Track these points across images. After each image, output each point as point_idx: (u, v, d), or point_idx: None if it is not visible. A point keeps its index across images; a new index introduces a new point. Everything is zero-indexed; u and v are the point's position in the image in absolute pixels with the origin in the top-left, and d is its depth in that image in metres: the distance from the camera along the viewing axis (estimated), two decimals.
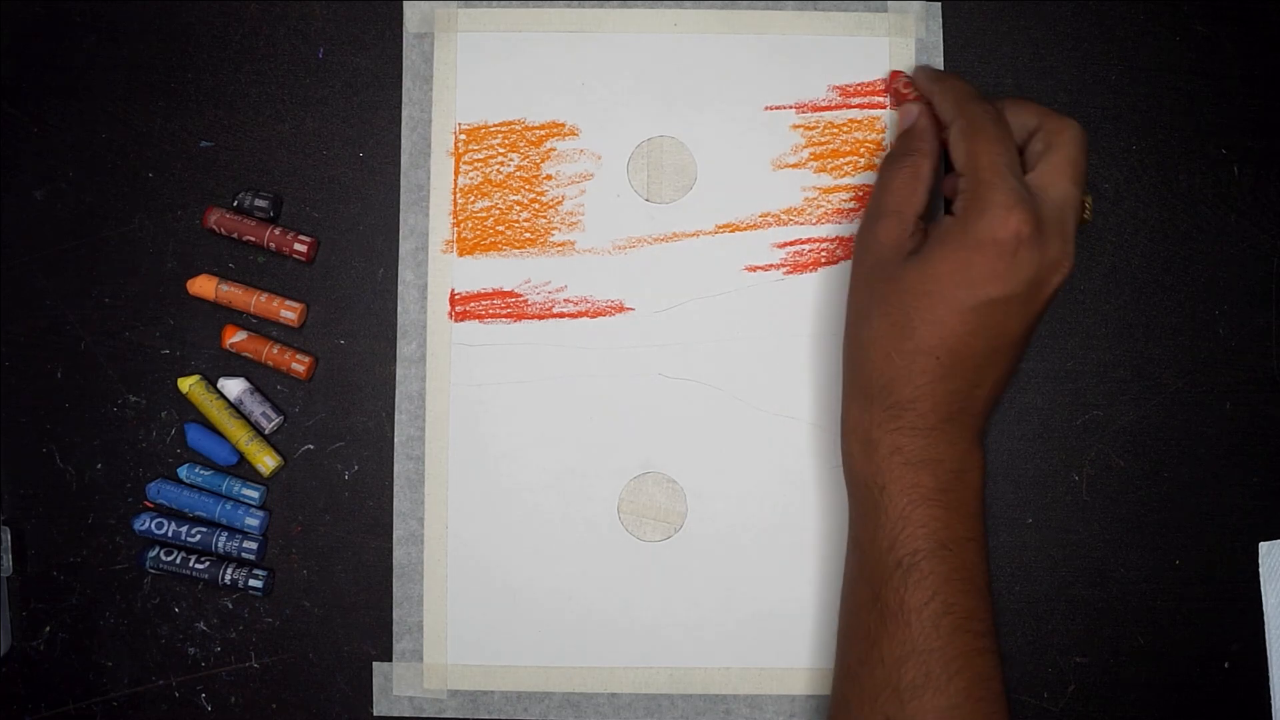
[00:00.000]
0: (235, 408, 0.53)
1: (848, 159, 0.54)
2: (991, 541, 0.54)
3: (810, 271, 0.54)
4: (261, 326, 0.54)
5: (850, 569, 0.48)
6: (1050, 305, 0.48)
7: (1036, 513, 0.54)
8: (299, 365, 0.53)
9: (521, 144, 0.54)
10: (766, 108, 0.54)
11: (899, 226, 0.48)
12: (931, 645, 0.45)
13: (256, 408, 0.53)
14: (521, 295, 0.54)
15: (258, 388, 0.54)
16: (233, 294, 0.53)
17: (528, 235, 0.54)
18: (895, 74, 0.53)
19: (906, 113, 0.51)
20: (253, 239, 0.53)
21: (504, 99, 0.54)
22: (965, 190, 0.47)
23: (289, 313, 0.53)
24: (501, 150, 0.54)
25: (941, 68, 0.54)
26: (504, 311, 0.54)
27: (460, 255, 0.54)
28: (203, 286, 0.53)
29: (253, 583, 0.53)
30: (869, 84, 0.54)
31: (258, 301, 0.53)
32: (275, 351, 0.53)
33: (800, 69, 0.54)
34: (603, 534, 0.53)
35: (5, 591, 0.53)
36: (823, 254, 0.54)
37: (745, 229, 0.54)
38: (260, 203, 0.54)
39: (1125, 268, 0.54)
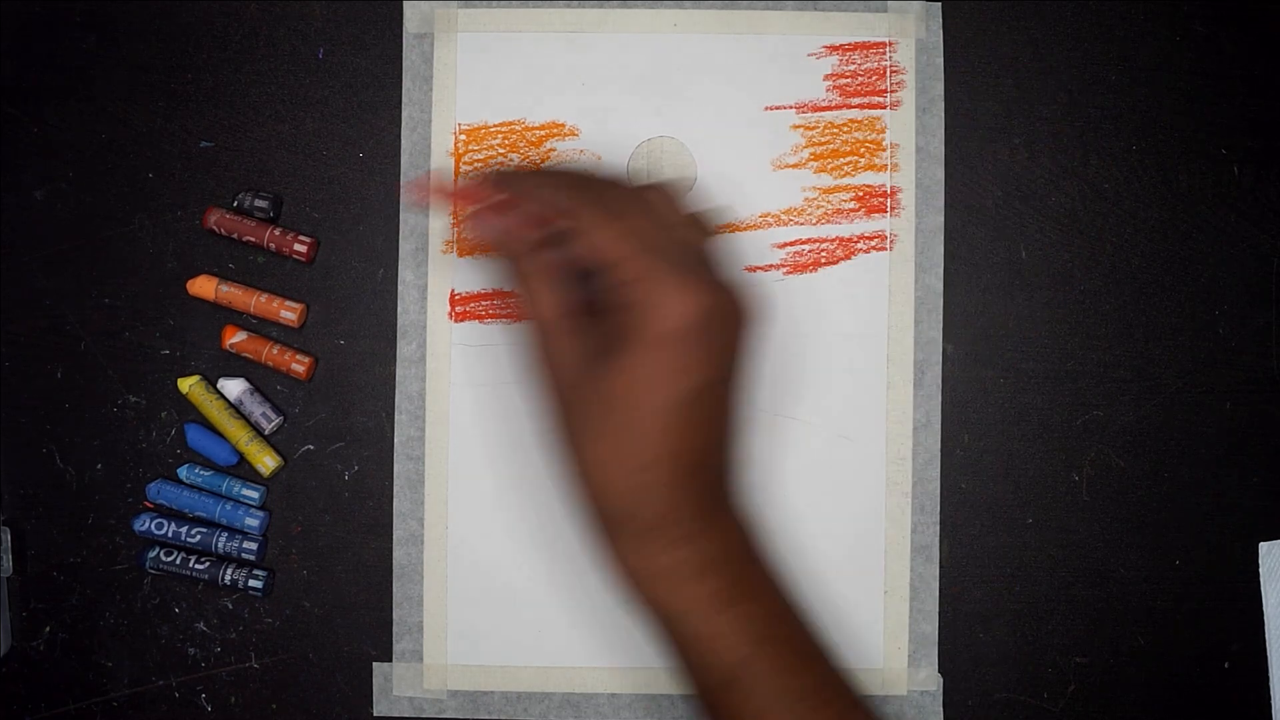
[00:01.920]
0: (235, 408, 0.53)
1: (848, 159, 0.54)
2: (992, 541, 0.54)
3: (810, 271, 0.54)
4: (261, 327, 0.54)
5: (686, 695, 0.45)
6: (750, 348, 0.45)
7: (1036, 513, 0.54)
8: (299, 366, 0.53)
9: (521, 144, 0.54)
10: (766, 108, 0.54)
11: (563, 338, 0.44)
12: None
13: (256, 408, 0.53)
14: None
15: (258, 388, 0.54)
16: (233, 294, 0.53)
17: None
18: (440, 182, 0.50)
19: (483, 220, 0.46)
20: (253, 239, 0.53)
21: (504, 99, 0.54)
22: (619, 284, 0.43)
23: (289, 313, 0.53)
24: (501, 150, 0.54)
25: (941, 68, 0.54)
26: (504, 311, 0.54)
27: (460, 255, 0.54)
28: (202, 287, 0.53)
29: (253, 583, 0.53)
30: (869, 84, 0.54)
31: (258, 302, 0.53)
32: (275, 352, 0.53)
33: (800, 69, 0.54)
34: None
35: (5, 591, 0.53)
36: (823, 254, 0.54)
37: (745, 229, 0.54)
38: (260, 203, 0.54)
39: (1125, 268, 0.54)
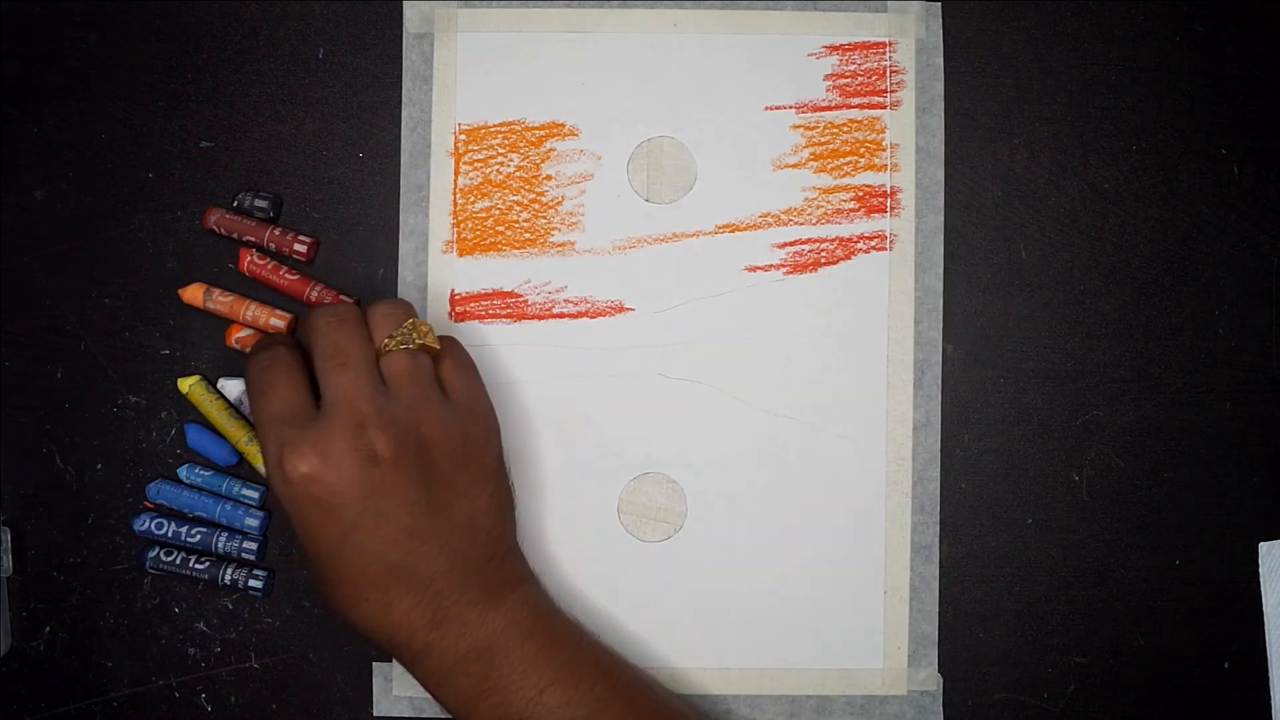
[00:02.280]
0: (235, 408, 0.53)
1: (848, 159, 0.54)
2: (991, 541, 0.54)
3: (810, 271, 0.54)
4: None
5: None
6: (438, 464, 0.46)
7: (1036, 513, 0.54)
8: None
9: (521, 144, 0.54)
10: (766, 108, 0.54)
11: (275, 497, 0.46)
12: None
13: None
14: (521, 295, 0.54)
15: None
16: (221, 304, 0.53)
17: (528, 235, 0.54)
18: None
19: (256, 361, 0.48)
20: (253, 239, 0.53)
21: (504, 99, 0.54)
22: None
23: (278, 321, 0.53)
24: (501, 150, 0.54)
25: (941, 68, 0.54)
26: (504, 312, 0.54)
27: (460, 255, 0.54)
28: (192, 295, 0.53)
29: (253, 583, 0.53)
30: (869, 84, 0.54)
31: (248, 311, 0.53)
32: None
33: (800, 69, 0.54)
34: (603, 534, 0.53)
35: (5, 591, 0.53)
36: (823, 254, 0.54)
37: (745, 229, 0.54)
38: (260, 203, 0.54)
39: (1125, 268, 0.54)
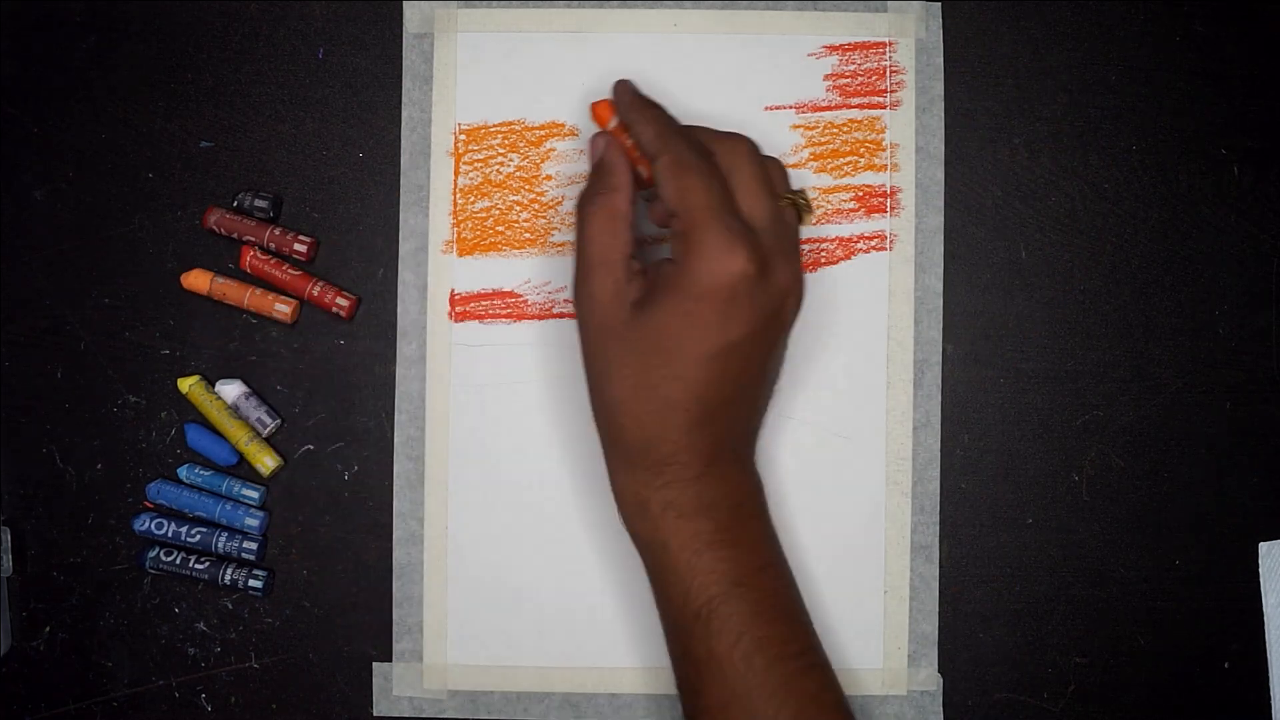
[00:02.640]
0: (235, 408, 0.53)
1: (848, 159, 0.54)
2: (991, 541, 0.54)
3: (810, 271, 0.54)
4: (262, 328, 0.54)
5: (662, 624, 0.48)
6: (791, 327, 0.47)
7: (1036, 513, 0.54)
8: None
9: (521, 144, 0.54)
10: (766, 108, 0.54)
11: (611, 278, 0.46)
12: (750, 685, 0.44)
13: (253, 412, 0.53)
14: (521, 295, 0.54)
15: (255, 391, 0.54)
16: (227, 288, 0.53)
17: (528, 235, 0.54)
18: (598, 104, 0.50)
19: (594, 145, 0.49)
20: (253, 239, 0.53)
21: (504, 99, 0.54)
22: (680, 233, 0.45)
23: (283, 306, 0.53)
24: (501, 150, 0.54)
25: (941, 68, 0.54)
26: (504, 311, 0.54)
27: (460, 255, 0.54)
28: (197, 280, 0.53)
29: (253, 583, 0.53)
30: (869, 84, 0.54)
31: (251, 296, 0.53)
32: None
33: (800, 69, 0.54)
34: (603, 534, 0.53)
35: (5, 591, 0.53)
36: (823, 254, 0.54)
37: None
38: (260, 203, 0.54)
39: (1125, 268, 0.54)
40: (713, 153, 0.47)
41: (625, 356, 0.46)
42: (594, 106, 0.49)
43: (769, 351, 0.47)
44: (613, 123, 0.49)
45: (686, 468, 0.46)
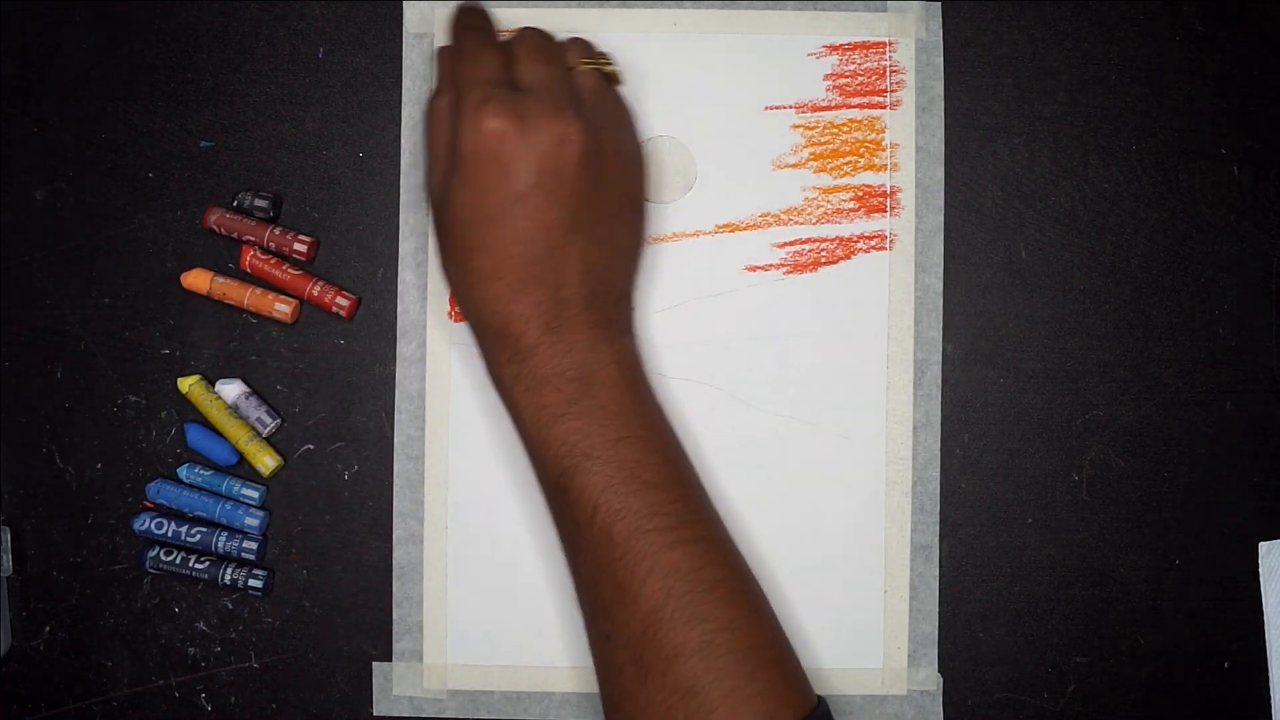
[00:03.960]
0: (235, 408, 0.53)
1: (848, 159, 0.54)
2: (991, 541, 0.54)
3: (810, 271, 0.54)
4: (259, 326, 0.54)
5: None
6: (606, 172, 0.48)
7: (1036, 513, 0.54)
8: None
9: None
10: (766, 108, 0.54)
11: (438, 170, 0.48)
12: (611, 556, 0.44)
13: (253, 412, 0.53)
14: None
15: (255, 391, 0.54)
16: (227, 287, 0.53)
17: None
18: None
19: (435, 57, 0.52)
20: (253, 239, 0.53)
21: None
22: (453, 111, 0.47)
23: (283, 306, 0.53)
24: None
25: (941, 68, 0.54)
26: None
27: None
28: (197, 280, 0.53)
29: (253, 583, 0.53)
30: (869, 84, 0.54)
31: (252, 295, 0.53)
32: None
33: (800, 69, 0.54)
34: None
35: (5, 591, 0.53)
36: (823, 254, 0.54)
37: (745, 229, 0.54)
38: (260, 203, 0.54)
39: (1125, 268, 0.54)
40: (505, 47, 0.49)
41: (445, 238, 0.48)
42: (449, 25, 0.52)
43: (564, 207, 0.47)
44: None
45: (520, 338, 0.47)
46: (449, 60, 0.50)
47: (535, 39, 0.50)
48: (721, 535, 0.47)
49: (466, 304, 0.48)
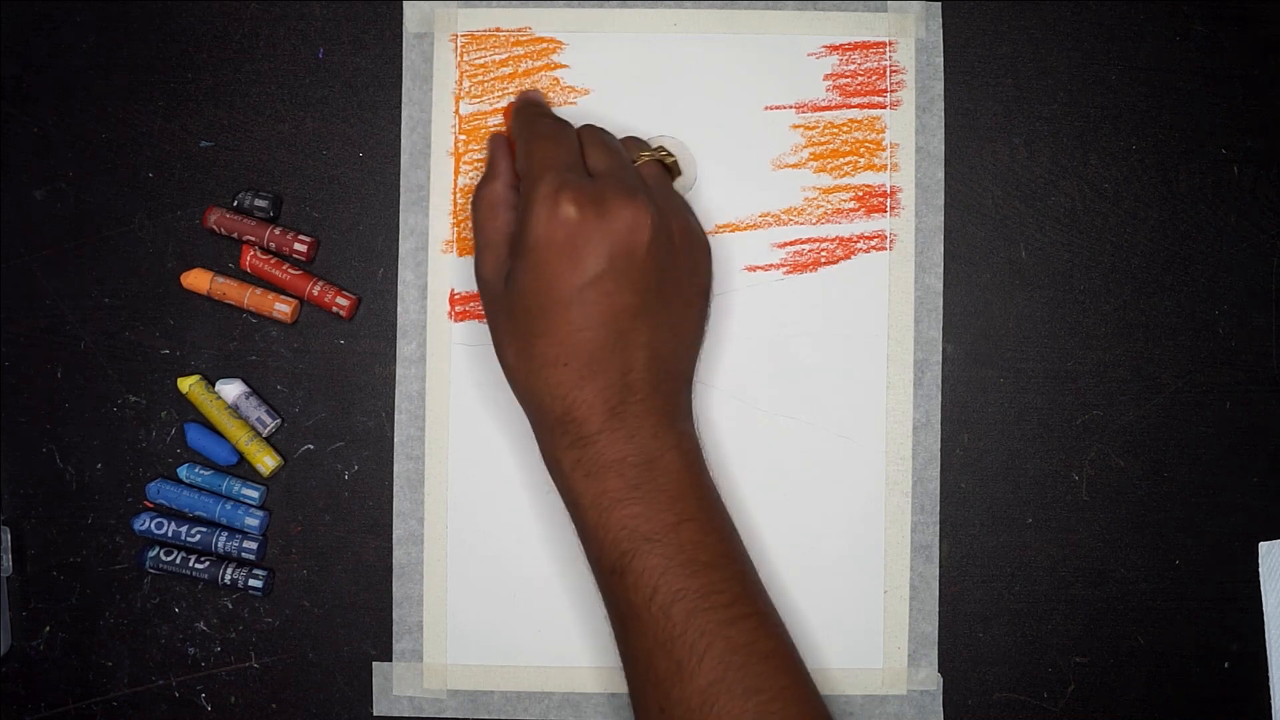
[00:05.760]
0: (235, 408, 0.53)
1: (848, 159, 0.54)
2: (991, 541, 0.54)
3: (810, 271, 0.54)
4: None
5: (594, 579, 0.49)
6: (675, 258, 0.48)
7: (1036, 513, 0.54)
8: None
9: None
10: (766, 108, 0.54)
11: (493, 255, 0.49)
12: (670, 635, 0.45)
13: (253, 412, 0.53)
14: None
15: (255, 391, 0.54)
16: (227, 287, 0.53)
17: None
18: (507, 109, 0.54)
19: (486, 143, 0.53)
20: (253, 239, 0.53)
21: (504, 99, 0.54)
22: (522, 195, 0.48)
23: (283, 306, 0.53)
24: None
25: (941, 68, 0.54)
26: None
27: (460, 255, 0.54)
28: (197, 280, 0.53)
29: (253, 583, 0.53)
30: (869, 84, 0.54)
31: (251, 295, 0.53)
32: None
33: (800, 69, 0.54)
34: None
35: (5, 591, 0.53)
36: (823, 254, 0.54)
37: (745, 229, 0.54)
38: (260, 203, 0.54)
39: (1125, 268, 0.54)
40: (575, 134, 0.50)
41: (506, 325, 0.48)
42: (504, 110, 0.53)
43: (635, 292, 0.47)
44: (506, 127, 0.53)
45: (583, 424, 0.46)
46: (500, 147, 0.51)
47: (597, 131, 0.50)
48: (770, 607, 0.48)
49: (527, 389, 0.48)
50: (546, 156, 0.48)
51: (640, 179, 0.49)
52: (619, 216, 0.46)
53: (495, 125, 0.54)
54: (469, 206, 0.52)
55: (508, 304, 0.48)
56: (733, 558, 0.47)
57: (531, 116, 0.50)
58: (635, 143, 0.52)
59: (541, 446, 0.49)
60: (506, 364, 0.48)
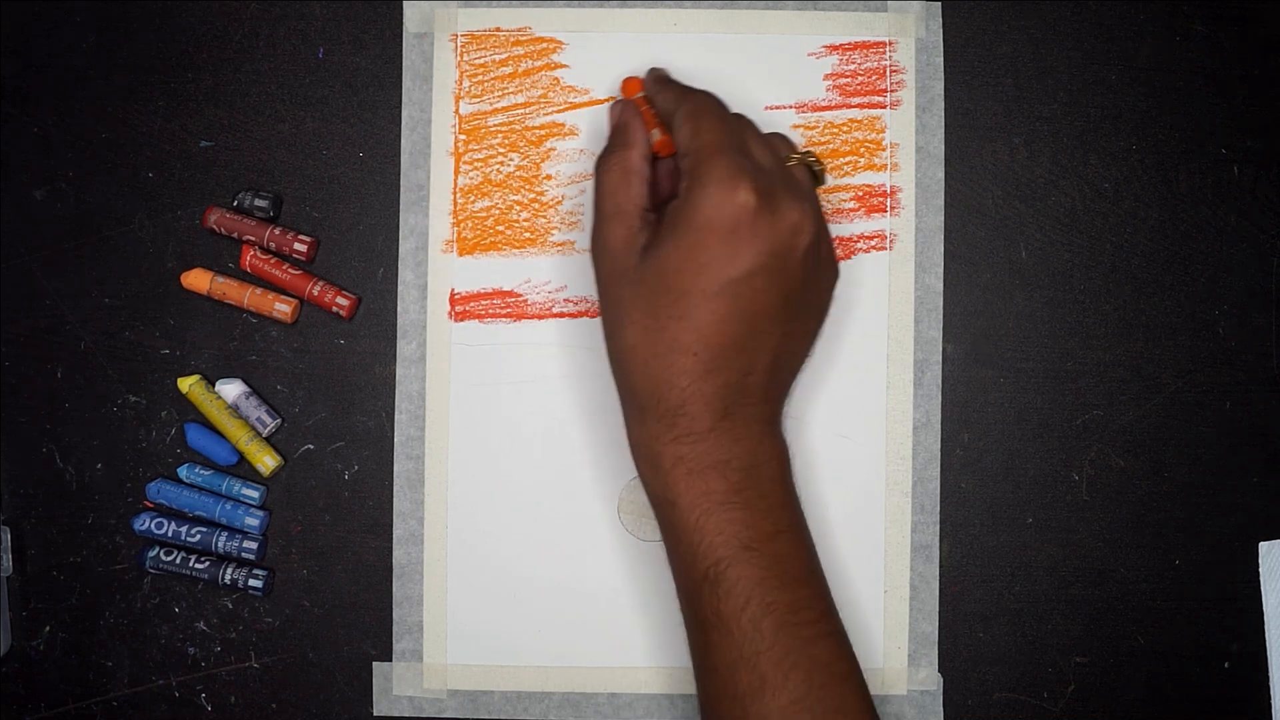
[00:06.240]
0: (235, 408, 0.53)
1: (848, 159, 0.54)
2: (991, 541, 0.54)
3: None
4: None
5: (675, 583, 0.47)
6: (818, 271, 0.47)
7: (1036, 513, 0.54)
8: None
9: (522, 144, 0.54)
10: (766, 108, 0.54)
11: (624, 226, 0.47)
12: (758, 649, 0.44)
13: (253, 411, 0.53)
14: (521, 295, 0.54)
15: (255, 391, 0.54)
16: (227, 287, 0.53)
17: (528, 235, 0.54)
18: (629, 79, 0.52)
19: (613, 110, 0.51)
20: (253, 239, 0.53)
21: (504, 98, 0.54)
22: (687, 170, 0.46)
23: (283, 306, 0.53)
24: (501, 150, 0.54)
25: (941, 68, 0.54)
26: (504, 311, 0.54)
27: (460, 255, 0.54)
28: (197, 280, 0.53)
29: (253, 583, 0.53)
30: (869, 84, 0.54)
31: (251, 295, 0.53)
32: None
33: (800, 69, 0.54)
34: (603, 534, 0.53)
35: (5, 591, 0.53)
36: None
37: None
38: (260, 203, 0.54)
39: (1125, 268, 0.54)
40: (721, 113, 0.48)
41: (635, 300, 0.46)
42: (625, 81, 0.52)
43: (781, 294, 0.45)
44: (638, 96, 0.51)
45: (697, 419, 0.45)
46: (636, 116, 0.50)
47: (752, 124, 0.49)
48: (843, 628, 0.47)
49: (644, 372, 0.45)
50: (722, 136, 0.46)
51: (810, 190, 0.48)
52: (787, 216, 0.45)
53: (497, 125, 0.54)
54: (594, 171, 0.49)
55: (643, 279, 0.45)
56: (818, 575, 0.47)
57: (691, 91, 0.49)
58: (785, 143, 0.50)
59: (637, 437, 0.47)
60: (626, 343, 0.46)
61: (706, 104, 0.48)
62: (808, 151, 0.49)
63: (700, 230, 0.44)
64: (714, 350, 0.45)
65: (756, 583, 0.44)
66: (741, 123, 0.48)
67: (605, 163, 0.48)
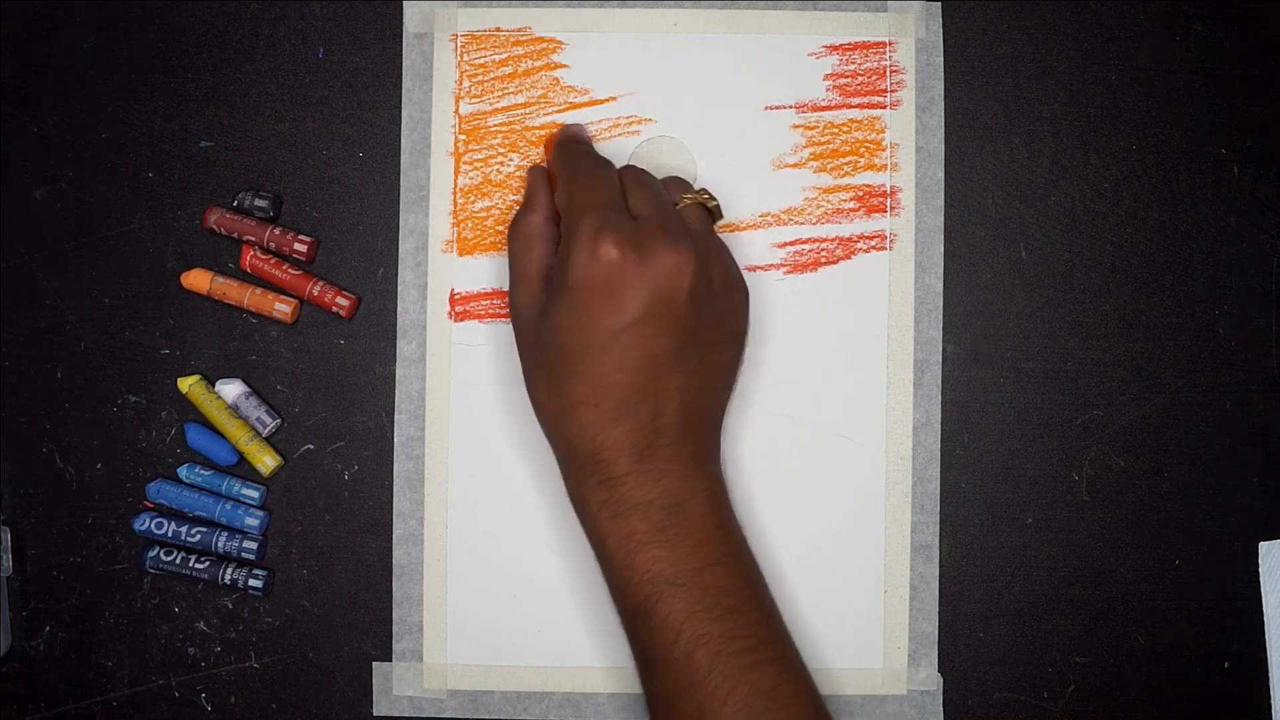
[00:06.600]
0: (234, 408, 0.53)
1: (848, 159, 0.54)
2: (991, 541, 0.54)
3: (810, 271, 0.54)
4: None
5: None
6: (715, 303, 0.47)
7: (1036, 513, 0.54)
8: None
9: (521, 144, 0.54)
10: (766, 108, 0.54)
11: (528, 290, 0.49)
12: (693, 679, 0.44)
13: (253, 411, 0.53)
14: None
15: (255, 391, 0.54)
16: (227, 287, 0.53)
17: None
18: (548, 141, 0.54)
19: (526, 174, 0.53)
20: (253, 239, 0.53)
21: (504, 99, 0.54)
22: (563, 232, 0.47)
23: (283, 306, 0.53)
24: (502, 150, 0.54)
25: (941, 68, 0.54)
26: (504, 311, 0.54)
27: (460, 255, 0.54)
28: (197, 280, 0.53)
29: (253, 583, 0.53)
30: (869, 84, 0.54)
31: (252, 295, 0.53)
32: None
33: (800, 69, 0.54)
34: None
35: (5, 591, 0.53)
36: (823, 254, 0.54)
37: (745, 229, 0.54)
38: (260, 203, 0.54)
39: (1125, 268, 0.54)
40: (618, 175, 0.49)
41: (539, 361, 0.48)
42: (544, 141, 0.53)
43: (674, 337, 0.46)
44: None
45: (612, 465, 0.46)
46: (540, 179, 0.51)
47: (639, 173, 0.50)
48: (795, 653, 0.47)
49: (556, 427, 0.48)
50: (589, 195, 0.47)
51: (682, 223, 0.48)
52: (661, 261, 0.46)
53: (497, 125, 0.54)
54: (505, 237, 0.52)
55: (541, 340, 0.47)
56: (757, 603, 0.47)
57: (575, 153, 0.50)
58: (677, 185, 0.51)
59: (568, 484, 0.48)
60: (536, 400, 0.48)
61: (583, 164, 0.49)
62: (702, 190, 0.51)
63: (576, 290, 0.46)
64: (614, 400, 0.46)
65: (686, 616, 0.45)
66: (626, 175, 0.49)
67: (511, 228, 0.50)
